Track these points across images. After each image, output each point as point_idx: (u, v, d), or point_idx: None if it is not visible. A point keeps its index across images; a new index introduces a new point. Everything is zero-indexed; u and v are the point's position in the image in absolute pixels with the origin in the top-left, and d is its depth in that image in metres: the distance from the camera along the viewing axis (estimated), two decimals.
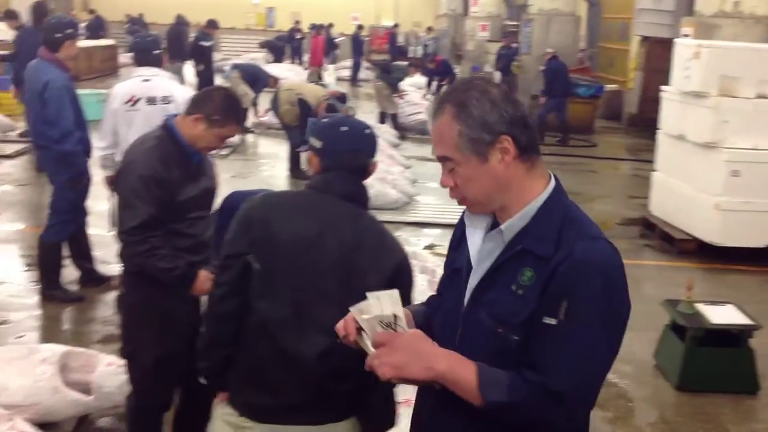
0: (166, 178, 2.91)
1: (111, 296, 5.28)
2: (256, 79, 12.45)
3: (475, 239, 1.71)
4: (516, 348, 1.59)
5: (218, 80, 16.70)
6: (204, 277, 2.97)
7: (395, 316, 1.64)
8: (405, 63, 14.37)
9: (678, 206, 7.45)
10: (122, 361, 3.52)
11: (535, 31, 15.31)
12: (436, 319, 1.80)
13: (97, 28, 21.96)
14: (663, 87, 8.01)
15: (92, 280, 5.50)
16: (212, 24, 15.14)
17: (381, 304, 1.64)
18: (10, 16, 10.70)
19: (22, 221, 7.21)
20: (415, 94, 15.21)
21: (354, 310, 1.67)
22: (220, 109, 2.94)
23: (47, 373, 3.44)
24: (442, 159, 1.66)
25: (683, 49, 7.55)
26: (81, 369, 3.61)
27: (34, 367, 3.47)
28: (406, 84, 14.30)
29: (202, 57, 14.20)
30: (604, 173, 11.48)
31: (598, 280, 1.56)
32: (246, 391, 2.21)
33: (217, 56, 19.76)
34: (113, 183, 4.96)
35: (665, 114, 7.90)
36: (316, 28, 20.47)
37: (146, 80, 4.74)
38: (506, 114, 1.61)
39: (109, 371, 3.55)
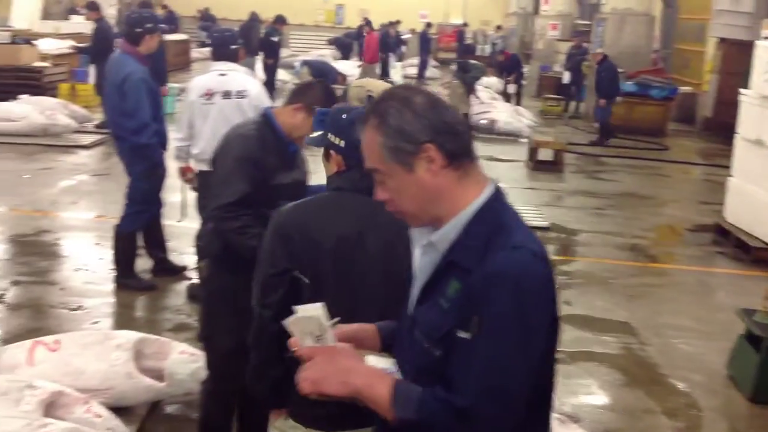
0: (262, 161, 3.00)
1: (183, 286, 5.41)
2: (325, 75, 12.60)
3: (416, 253, 1.68)
4: (438, 363, 1.56)
5: (287, 76, 16.95)
6: None
7: (321, 329, 1.62)
8: (481, 63, 14.32)
9: (755, 213, 7.22)
10: (194, 350, 3.62)
11: (607, 30, 15.06)
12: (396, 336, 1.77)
13: (170, 23, 22.48)
14: (742, 90, 7.78)
15: (165, 269, 5.63)
16: (280, 20, 15.39)
17: (310, 318, 1.63)
18: (91, 7, 10.99)
19: (97, 210, 7.42)
20: (484, 93, 15.12)
21: (287, 322, 1.66)
22: (321, 99, 2.97)
23: (122, 359, 3.53)
24: (372, 171, 1.62)
25: (765, 51, 7.31)
26: (154, 356, 3.69)
27: (109, 352, 3.56)
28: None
29: (271, 52, 14.48)
30: (676, 177, 11.21)
31: (509, 292, 1.50)
32: (308, 403, 2.17)
33: (285, 52, 20.03)
34: (185, 174, 5.12)
35: (743, 118, 7.68)
36: (369, 25, 20.54)
37: (222, 74, 4.83)
38: (429, 122, 1.56)
39: (182, 359, 3.63)
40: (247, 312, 3.06)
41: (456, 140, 1.58)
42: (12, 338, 4.36)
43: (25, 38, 14.78)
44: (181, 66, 20.39)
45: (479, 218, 1.58)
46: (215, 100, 4.78)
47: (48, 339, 3.66)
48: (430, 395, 1.52)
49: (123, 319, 4.85)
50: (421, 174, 1.57)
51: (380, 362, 1.67)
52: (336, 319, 1.69)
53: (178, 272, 5.63)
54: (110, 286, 5.35)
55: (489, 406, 1.50)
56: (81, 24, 22.32)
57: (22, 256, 6.01)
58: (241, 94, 4.78)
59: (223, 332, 3.15)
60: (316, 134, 2.42)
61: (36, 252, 6.11)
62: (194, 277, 5.42)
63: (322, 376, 1.57)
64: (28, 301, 5.07)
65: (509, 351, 1.51)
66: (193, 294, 5.16)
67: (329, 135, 2.26)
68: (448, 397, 1.50)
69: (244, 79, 4.88)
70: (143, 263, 5.57)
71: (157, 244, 5.68)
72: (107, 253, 5.88)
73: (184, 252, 5.79)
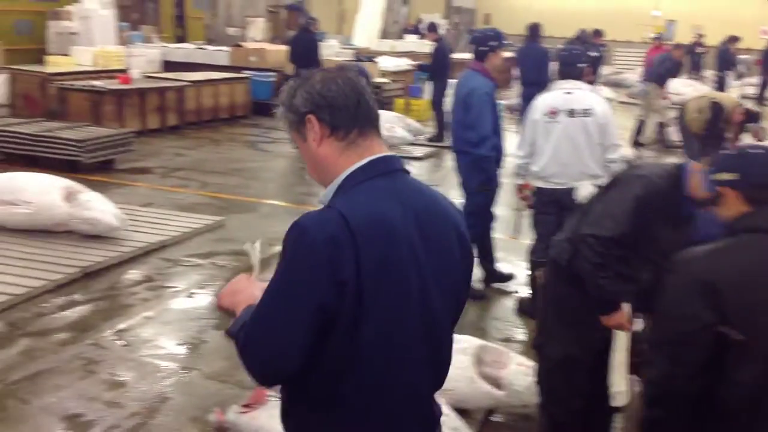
0: (658, 211, 2.92)
1: (512, 299, 5.52)
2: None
3: None
4: None
5: (610, 93, 16.53)
6: (622, 315, 3.02)
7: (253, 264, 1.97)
8: None
9: None
10: (531, 363, 3.68)
11: None
12: None
13: None
14: None
15: (494, 279, 5.79)
16: (597, 34, 15.08)
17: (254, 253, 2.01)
18: (431, 29, 11.69)
19: None
20: None
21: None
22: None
23: (465, 363, 3.69)
24: None
25: None
26: (493, 364, 3.81)
27: (454, 355, 3.73)
28: None
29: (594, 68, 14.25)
30: None
31: (290, 242, 1.65)
32: None
33: (607, 69, 19.56)
34: (522, 191, 5.22)
35: None
36: (659, 39, 19.02)
37: (568, 93, 4.85)
38: (311, 96, 1.74)
39: (519, 371, 3.70)
40: (581, 325, 3.09)
41: (336, 114, 1.73)
42: None
43: (368, 56, 16.11)
44: (504, 83, 20.83)
45: (341, 185, 1.74)
46: (559, 119, 4.81)
47: None
48: (245, 319, 1.71)
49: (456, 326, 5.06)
50: (310, 143, 1.77)
51: None
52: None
53: (506, 279, 5.76)
54: None
55: (250, 346, 1.66)
56: (414, 43, 23.87)
57: None
58: (586, 113, 4.77)
59: (555, 342, 3.20)
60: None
61: None
62: (525, 291, 5.52)
63: (226, 294, 1.86)
64: None
65: (270, 297, 1.66)
66: (522, 308, 5.25)
67: (715, 171, 2.18)
68: (243, 327, 1.70)
69: (589, 98, 4.86)
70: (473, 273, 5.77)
71: (487, 255, 5.86)
72: None
73: (515, 265, 5.92)
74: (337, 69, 1.83)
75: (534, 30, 11.77)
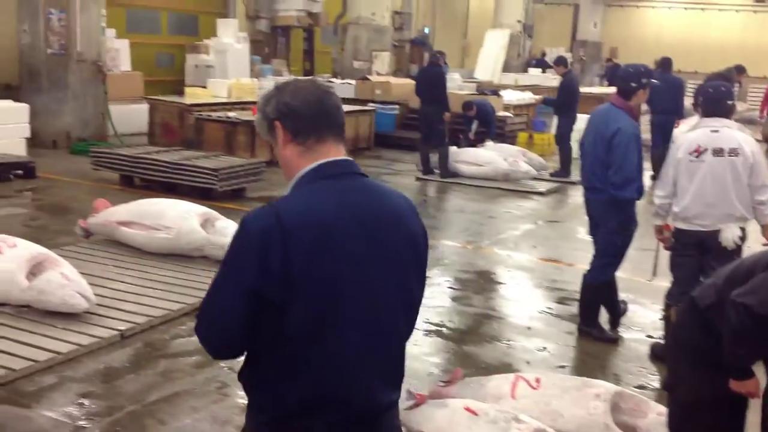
0: None
1: (646, 344, 5.30)
2: None
3: None
4: None
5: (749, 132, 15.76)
6: (754, 384, 2.94)
7: None
8: None
9: None
10: None
11: None
12: None
13: (613, 77, 22.57)
14: None
15: (617, 318, 5.58)
16: (740, 71, 14.43)
17: None
18: (559, 62, 11.55)
19: (538, 252, 7.73)
20: None
21: None
22: None
23: (599, 409, 3.55)
24: None
25: None
26: (631, 412, 3.65)
27: (588, 400, 3.61)
28: None
29: None
30: None
31: (235, 234, 1.90)
32: None
33: (741, 106, 18.68)
34: (661, 232, 5.01)
35: None
36: None
37: (714, 131, 4.64)
38: (278, 105, 1.97)
39: (660, 420, 3.51)
40: (714, 368, 2.95)
41: (297, 121, 1.96)
42: (492, 369, 4.71)
43: (493, 89, 16.06)
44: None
45: (295, 184, 1.98)
46: (705, 158, 4.61)
47: (529, 376, 3.85)
48: None
49: (587, 368, 4.90)
50: (279, 145, 2.00)
51: None
52: None
53: (622, 315, 5.60)
54: (573, 332, 5.47)
55: (198, 325, 1.94)
56: (537, 76, 23.68)
57: (482, 292, 6.46)
58: (734, 152, 4.55)
59: (686, 384, 3.10)
60: None
61: (494, 289, 6.54)
62: (659, 336, 5.29)
63: None
64: (488, 336, 5.42)
65: (213, 281, 1.91)
66: (656, 353, 5.02)
67: None
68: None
69: (737, 136, 4.63)
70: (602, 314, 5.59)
71: (613, 296, 5.64)
72: (567, 298, 6.07)
73: (648, 309, 5.69)
74: (309, 80, 2.07)
75: (666, 63, 11.68)
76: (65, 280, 4.94)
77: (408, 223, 2.03)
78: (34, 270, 5.03)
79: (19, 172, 9.64)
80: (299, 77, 2.08)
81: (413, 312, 2.06)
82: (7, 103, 10.81)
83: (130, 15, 16.10)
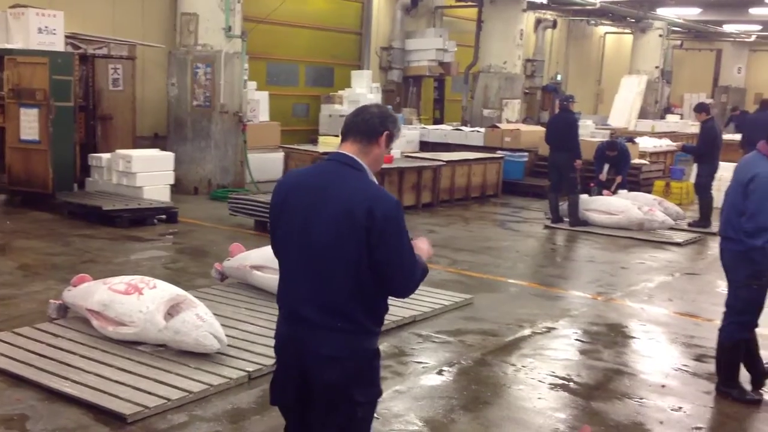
0: None
1: None
2: None
3: None
4: None
5: None
6: None
7: None
8: None
9: None
10: None
11: None
12: None
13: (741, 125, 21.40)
14: None
15: (762, 382, 5.20)
16: None
17: None
18: (700, 108, 11.11)
19: (674, 306, 7.38)
20: None
21: None
22: None
23: None
24: None
25: None
26: None
27: None
28: None
29: None
30: None
31: None
32: None
33: None
34: None
35: None
36: None
37: None
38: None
39: None
40: None
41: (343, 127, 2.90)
42: (622, 428, 4.49)
43: (628, 137, 15.64)
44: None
45: None
46: None
47: None
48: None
49: (726, 431, 4.60)
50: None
51: None
52: None
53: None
54: (711, 392, 5.15)
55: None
56: (675, 123, 22.88)
57: (612, 346, 6.20)
58: None
59: None
60: None
61: (626, 344, 6.26)
62: None
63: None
64: (618, 393, 5.17)
65: None
66: None
67: None
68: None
69: None
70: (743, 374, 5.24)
71: (754, 354, 5.27)
72: (705, 355, 5.73)
73: None
74: (362, 106, 2.92)
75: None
76: (200, 321, 5.14)
77: (348, 200, 2.70)
78: (172, 311, 5.27)
79: (163, 216, 10.22)
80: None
81: (356, 268, 2.69)
82: (155, 152, 11.53)
83: (270, 68, 16.91)
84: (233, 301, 6.50)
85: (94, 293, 5.57)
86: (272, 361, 5.10)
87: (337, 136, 14.12)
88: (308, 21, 17.44)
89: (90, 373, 4.82)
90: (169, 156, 11.44)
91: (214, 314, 5.42)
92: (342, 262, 2.69)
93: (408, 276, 2.75)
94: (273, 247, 2.91)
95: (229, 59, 12.47)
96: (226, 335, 5.27)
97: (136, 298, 5.30)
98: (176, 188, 11.59)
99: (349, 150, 2.80)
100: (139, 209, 10.07)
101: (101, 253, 8.36)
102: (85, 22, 12.62)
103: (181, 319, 5.15)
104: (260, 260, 6.71)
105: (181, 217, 10.35)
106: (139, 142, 12.44)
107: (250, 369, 5.03)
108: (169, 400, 4.51)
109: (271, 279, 6.56)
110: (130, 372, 4.85)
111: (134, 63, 12.36)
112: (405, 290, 2.79)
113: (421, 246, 2.95)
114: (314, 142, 14.23)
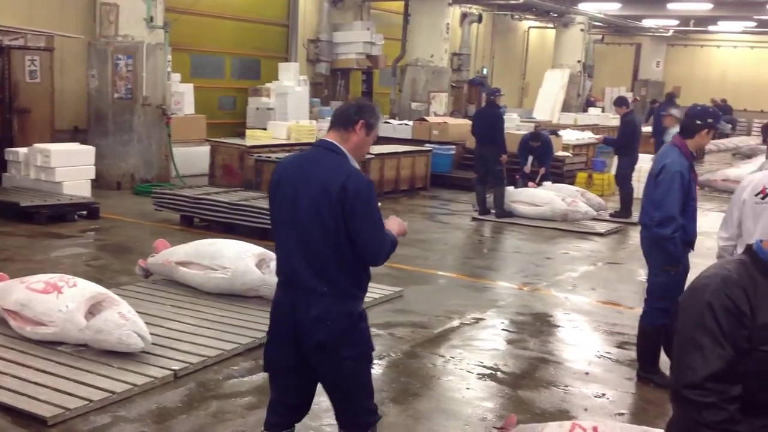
0: (749, 315, 2.17)
1: None
2: None
3: None
4: None
5: None
6: None
7: None
8: None
9: None
10: None
11: None
12: None
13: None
14: None
15: None
16: None
17: None
18: (619, 102, 11.42)
19: (596, 295, 7.58)
20: None
21: None
22: None
23: None
24: None
25: None
26: None
27: None
28: None
29: None
30: None
31: None
32: None
33: None
34: None
35: None
36: None
37: None
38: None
39: None
40: None
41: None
42: (547, 415, 4.59)
43: (552, 129, 15.94)
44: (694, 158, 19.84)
45: None
46: None
47: (586, 424, 3.72)
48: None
49: (648, 416, 4.73)
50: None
51: None
52: None
53: None
54: (633, 378, 5.30)
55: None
56: (597, 116, 23.44)
57: (538, 335, 6.32)
58: None
59: None
60: None
61: (551, 333, 6.39)
62: None
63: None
64: (544, 381, 5.28)
65: None
66: None
67: None
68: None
69: None
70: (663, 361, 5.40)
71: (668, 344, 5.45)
72: (627, 342, 5.89)
73: None
74: (355, 99, 3.69)
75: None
76: (122, 320, 5.01)
77: (326, 180, 3.13)
78: (93, 309, 5.12)
79: (84, 212, 9.93)
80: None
81: (335, 238, 3.12)
82: (74, 146, 11.18)
83: (195, 60, 16.57)
84: (158, 298, 6.36)
85: (11, 292, 5.37)
86: (198, 359, 5.06)
87: (264, 129, 14.07)
88: (233, 12, 17.17)
89: (7, 375, 4.64)
90: (89, 150, 11.11)
91: (138, 312, 5.30)
92: (323, 233, 3.12)
93: (377, 246, 3.17)
94: (271, 220, 3.38)
95: (151, 51, 12.17)
96: (151, 333, 5.15)
97: (56, 296, 5.13)
98: (98, 183, 11.26)
99: (332, 137, 3.26)
100: (59, 205, 9.75)
101: (19, 251, 8.06)
102: (0, 13, 12.12)
103: (102, 318, 5.01)
104: (186, 256, 6.59)
105: (103, 212, 10.06)
106: (58, 136, 12.02)
107: (176, 367, 4.93)
108: (91, 401, 4.38)
109: (196, 275, 6.45)
110: (50, 373, 4.70)
111: (52, 54, 11.93)
112: (376, 259, 3.22)
113: (392, 224, 3.38)
114: (242, 135, 14.04)
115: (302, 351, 3.22)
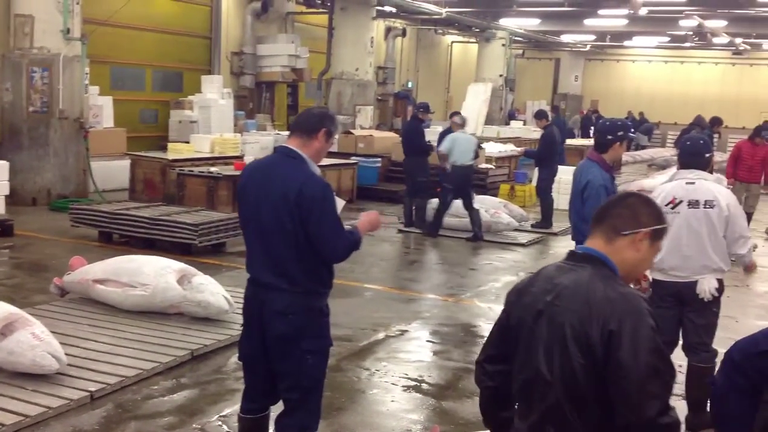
0: None
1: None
2: None
3: None
4: None
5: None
6: None
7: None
8: None
9: None
10: None
11: None
12: None
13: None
14: None
15: None
16: (717, 122, 14.98)
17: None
18: (539, 115, 11.70)
19: None
20: None
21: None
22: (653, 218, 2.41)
23: None
24: None
25: None
26: None
27: None
28: None
29: None
30: None
31: None
32: None
33: (719, 156, 18.94)
34: (639, 283, 4.97)
35: None
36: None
37: (690, 183, 4.65)
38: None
39: None
40: None
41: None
42: (471, 426, 4.61)
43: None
44: (613, 169, 20.44)
45: None
46: (680, 210, 4.61)
47: None
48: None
49: None
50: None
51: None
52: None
53: None
54: None
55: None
56: (519, 129, 23.91)
57: (462, 345, 6.38)
58: (709, 204, 4.56)
59: None
60: None
61: (475, 343, 6.45)
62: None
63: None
64: (467, 392, 5.32)
65: None
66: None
67: None
68: None
69: (713, 189, 4.64)
70: None
71: None
72: None
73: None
74: (312, 106, 3.71)
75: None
76: (36, 341, 4.84)
77: (285, 184, 3.33)
78: (5, 330, 4.92)
79: None
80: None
81: (294, 239, 3.32)
82: None
83: (115, 72, 16.21)
84: (74, 317, 6.16)
85: None
86: (116, 380, 4.92)
87: (187, 142, 13.84)
88: (154, 24, 16.87)
89: None
90: (2, 165, 10.67)
91: (53, 332, 5.12)
92: (283, 234, 3.33)
93: (334, 246, 3.37)
94: (239, 221, 3.63)
95: (68, 63, 11.84)
96: (67, 354, 4.98)
97: None
98: (12, 199, 10.84)
99: (293, 143, 3.42)
100: None
101: None
102: None
103: (15, 339, 4.82)
104: (103, 273, 6.41)
105: (17, 229, 9.71)
106: None
107: (93, 389, 4.78)
108: (3, 425, 4.21)
109: (114, 293, 6.27)
110: None
111: None
112: (333, 257, 3.43)
113: (361, 224, 3.59)
114: (164, 148, 13.78)
115: (267, 342, 3.43)
